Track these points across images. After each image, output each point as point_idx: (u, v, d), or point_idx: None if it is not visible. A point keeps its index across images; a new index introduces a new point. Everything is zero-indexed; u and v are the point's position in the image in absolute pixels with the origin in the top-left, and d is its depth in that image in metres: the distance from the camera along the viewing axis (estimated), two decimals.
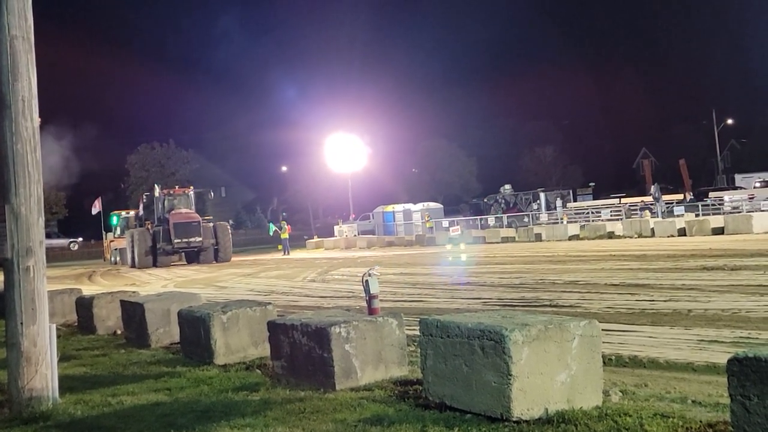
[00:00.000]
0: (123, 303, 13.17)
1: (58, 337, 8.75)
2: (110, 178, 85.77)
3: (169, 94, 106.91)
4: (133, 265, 44.81)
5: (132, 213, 55.45)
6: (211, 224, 45.74)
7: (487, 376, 5.93)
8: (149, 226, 45.90)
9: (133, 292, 16.22)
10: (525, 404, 5.78)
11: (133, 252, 45.03)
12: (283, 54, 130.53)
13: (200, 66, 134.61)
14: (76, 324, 15.25)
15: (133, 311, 12.38)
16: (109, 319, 14.19)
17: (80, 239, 76.62)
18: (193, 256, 45.24)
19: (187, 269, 39.74)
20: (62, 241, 73.89)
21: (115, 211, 59.89)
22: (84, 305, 14.81)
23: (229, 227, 46.88)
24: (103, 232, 61.03)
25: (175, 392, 8.18)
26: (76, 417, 7.42)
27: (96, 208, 61.35)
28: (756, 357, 4.51)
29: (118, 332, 13.64)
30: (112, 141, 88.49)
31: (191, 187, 49.72)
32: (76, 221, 79.43)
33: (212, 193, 50.32)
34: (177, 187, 51.71)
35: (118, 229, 54.45)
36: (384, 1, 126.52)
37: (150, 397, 8.04)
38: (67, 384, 8.62)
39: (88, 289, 21.15)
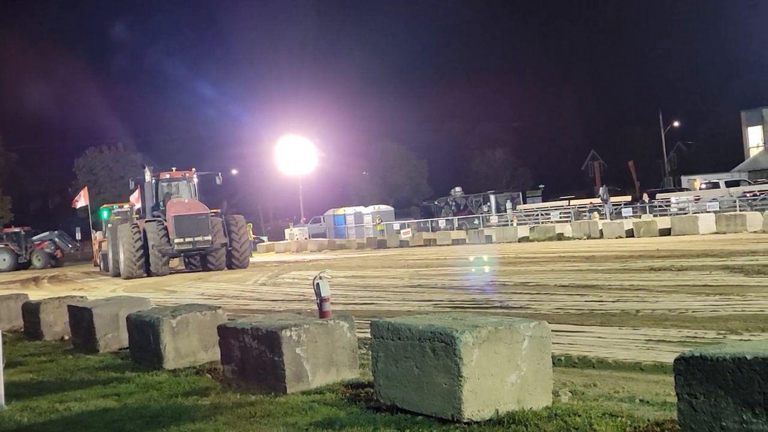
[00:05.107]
0: (70, 308, 12.99)
1: (4, 343, 8.61)
2: (57, 182, 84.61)
3: (116, 96, 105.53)
4: (116, 274, 34.74)
5: (127, 206, 43.57)
6: (221, 218, 35.40)
7: (438, 377, 5.95)
8: (139, 222, 35.28)
9: (81, 297, 16.00)
10: (476, 405, 5.80)
11: (116, 255, 34.58)
12: (232, 56, 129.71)
13: (148, 68, 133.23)
14: (22, 330, 15.01)
15: (81, 316, 12.22)
16: (56, 325, 13.98)
17: None
18: (198, 261, 35.96)
19: None
20: None
21: (106, 205, 49.19)
22: (30, 311, 14.59)
23: (245, 222, 36.67)
24: (92, 231, 50.15)
25: (124, 398, 8.09)
26: (23, 424, 7.31)
27: (82, 201, 51.42)
28: (702, 356, 4.57)
29: (66, 338, 13.45)
30: (58, 144, 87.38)
31: (193, 170, 37.84)
32: (23, 225, 78.07)
33: (220, 176, 39.22)
34: (174, 169, 38.53)
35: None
36: (333, 4, 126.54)
37: (98, 403, 7.94)
38: (13, 391, 8.48)
39: (34, 295, 20.83)
